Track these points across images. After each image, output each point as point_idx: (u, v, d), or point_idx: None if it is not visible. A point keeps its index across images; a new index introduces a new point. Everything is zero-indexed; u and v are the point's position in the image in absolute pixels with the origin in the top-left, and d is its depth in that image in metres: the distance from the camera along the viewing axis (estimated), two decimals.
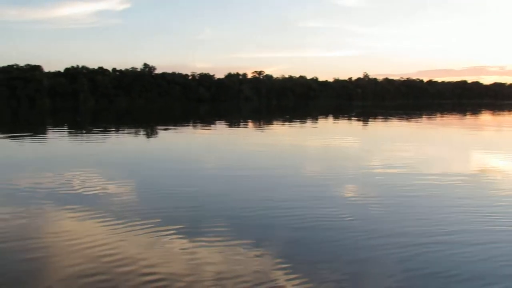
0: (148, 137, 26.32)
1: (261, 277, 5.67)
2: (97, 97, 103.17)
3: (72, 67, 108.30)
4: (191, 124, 38.06)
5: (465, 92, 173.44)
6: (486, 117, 55.30)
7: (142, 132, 29.57)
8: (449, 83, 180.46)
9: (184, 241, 7.01)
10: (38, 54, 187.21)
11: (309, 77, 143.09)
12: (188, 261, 6.19)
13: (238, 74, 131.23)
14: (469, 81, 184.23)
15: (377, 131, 31.75)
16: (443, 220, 8.35)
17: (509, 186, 11.88)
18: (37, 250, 6.57)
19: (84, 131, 29.64)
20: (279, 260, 6.27)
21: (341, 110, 69.32)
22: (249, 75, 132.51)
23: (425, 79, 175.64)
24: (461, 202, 9.77)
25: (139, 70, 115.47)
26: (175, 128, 32.44)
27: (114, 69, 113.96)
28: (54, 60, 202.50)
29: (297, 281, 5.58)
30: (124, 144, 22.05)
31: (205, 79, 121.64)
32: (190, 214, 8.61)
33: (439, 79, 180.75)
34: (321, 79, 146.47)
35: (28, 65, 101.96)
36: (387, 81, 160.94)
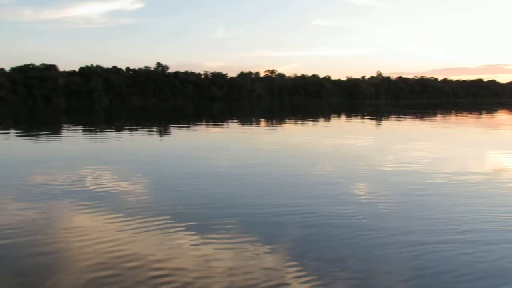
0: (160, 136, 26.53)
1: (270, 274, 5.69)
2: (111, 96, 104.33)
3: (87, 66, 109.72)
4: (203, 123, 38.24)
5: (481, 90, 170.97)
6: (502, 116, 54.37)
7: (155, 131, 29.81)
8: (465, 81, 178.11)
9: (194, 238, 7.06)
10: (53, 54, 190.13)
11: (321, 75, 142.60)
12: (198, 258, 6.24)
13: (250, 73, 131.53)
14: (485, 80, 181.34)
15: (390, 130, 31.48)
16: (455, 219, 8.27)
17: None
18: (50, 245, 6.69)
19: (98, 130, 30.01)
20: (288, 257, 6.29)
21: (354, 109, 68.86)
22: (262, 74, 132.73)
23: (440, 78, 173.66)
24: (473, 201, 9.65)
25: (152, 69, 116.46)
26: (187, 127, 32.64)
27: (127, 68, 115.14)
28: (69, 59, 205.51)
29: (306, 279, 5.58)
30: (137, 142, 22.27)
31: (218, 78, 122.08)
32: (201, 211, 8.67)
33: (454, 78, 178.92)
34: (333, 77, 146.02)
35: (44, 64, 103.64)
36: (401, 79, 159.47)
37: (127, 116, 49.94)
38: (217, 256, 6.31)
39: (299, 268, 5.91)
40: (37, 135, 25.21)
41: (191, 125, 34.15)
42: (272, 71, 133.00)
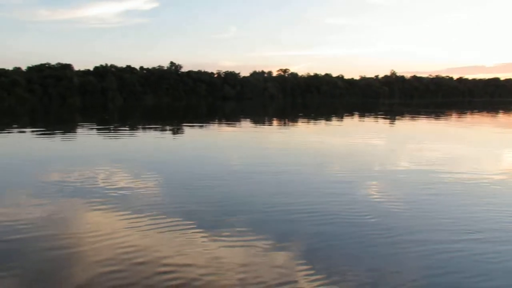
0: (173, 135, 26.71)
1: (280, 273, 5.72)
2: (125, 95, 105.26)
3: (101, 65, 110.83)
4: (216, 122, 38.38)
5: (497, 89, 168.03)
6: None
7: (168, 130, 30.02)
8: (481, 80, 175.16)
9: (205, 236, 7.12)
10: (68, 53, 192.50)
11: (334, 75, 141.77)
12: (208, 256, 6.30)
13: (263, 72, 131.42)
14: (502, 78, 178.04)
15: (404, 130, 31.18)
16: (467, 219, 8.18)
17: None
18: (62, 240, 6.85)
19: (112, 128, 30.35)
20: (298, 256, 6.31)
21: (367, 108, 68.36)
22: (274, 73, 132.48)
23: (455, 77, 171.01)
24: (486, 201, 9.54)
25: (165, 68, 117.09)
26: (200, 126, 32.80)
27: (141, 68, 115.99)
28: (84, 59, 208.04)
29: (316, 277, 5.60)
30: (150, 141, 22.46)
31: (231, 77, 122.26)
32: (212, 209, 8.73)
33: (470, 77, 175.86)
34: (347, 77, 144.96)
35: (59, 63, 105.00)
36: (415, 78, 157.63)
37: (140, 115, 50.37)
38: (227, 254, 6.36)
39: (308, 267, 5.93)
40: (52, 134, 25.62)
41: (203, 124, 34.30)
42: (285, 70, 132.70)
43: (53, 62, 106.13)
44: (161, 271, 5.75)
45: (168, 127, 32.02)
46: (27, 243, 6.77)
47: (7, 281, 5.46)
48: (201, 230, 7.41)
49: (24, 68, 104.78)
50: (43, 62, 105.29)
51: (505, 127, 33.97)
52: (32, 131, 27.25)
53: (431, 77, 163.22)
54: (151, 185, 11.10)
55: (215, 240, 6.91)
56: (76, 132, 27.18)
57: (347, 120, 41.85)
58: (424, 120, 40.87)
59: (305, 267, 5.94)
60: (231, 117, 45.86)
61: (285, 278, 5.59)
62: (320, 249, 6.66)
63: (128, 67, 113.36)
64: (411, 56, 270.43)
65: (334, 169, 13.76)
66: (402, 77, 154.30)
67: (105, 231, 7.26)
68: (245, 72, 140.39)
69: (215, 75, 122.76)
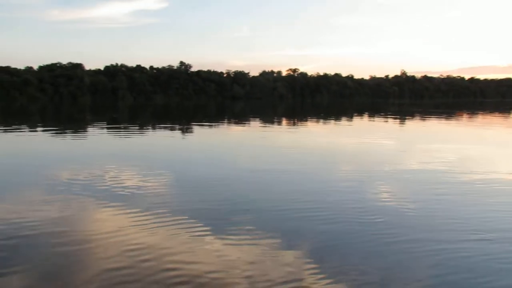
0: (182, 134, 26.80)
1: (287, 272, 5.69)
2: (135, 94, 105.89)
3: (112, 65, 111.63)
4: (225, 122, 38.42)
5: (510, 90, 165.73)
6: None
7: (176, 129, 30.13)
8: (493, 80, 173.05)
9: (212, 235, 7.11)
10: (79, 53, 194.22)
11: (344, 74, 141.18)
12: (216, 255, 6.29)
13: (272, 72, 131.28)
14: None
15: (414, 131, 30.92)
16: (477, 220, 8.07)
17: None
18: (71, 237, 6.90)
19: (120, 128, 30.54)
20: (306, 256, 6.26)
21: (377, 109, 67.95)
22: (284, 73, 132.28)
23: (467, 77, 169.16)
24: (497, 202, 9.40)
25: (175, 68, 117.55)
26: (209, 125, 32.86)
27: (151, 67, 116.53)
28: (95, 58, 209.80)
29: (322, 277, 5.56)
30: (159, 140, 22.56)
31: (240, 76, 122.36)
32: (219, 208, 8.72)
33: (482, 77, 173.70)
34: (356, 76, 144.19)
35: (70, 63, 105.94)
36: (426, 78, 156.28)
37: (150, 114, 50.64)
38: (235, 252, 6.35)
39: (316, 266, 5.90)
40: (62, 133, 25.85)
41: (212, 124, 34.36)
42: (294, 70, 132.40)
43: (64, 61, 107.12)
44: (168, 269, 5.75)
45: (177, 127, 32.14)
46: (37, 239, 6.84)
47: (17, 276, 5.50)
48: (208, 228, 7.41)
49: (35, 67, 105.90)
50: (55, 61, 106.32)
51: None
52: (43, 130, 27.54)
53: (442, 77, 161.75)
54: (159, 183, 11.12)
55: (222, 239, 6.91)
56: (85, 131, 27.39)
57: (356, 120, 41.63)
58: (435, 121, 40.49)
59: (312, 265, 5.91)
60: (240, 117, 45.89)
61: (292, 277, 5.56)
62: (328, 248, 6.63)
63: (138, 66, 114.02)
64: (422, 56, 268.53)
65: (343, 169, 13.67)
66: (413, 77, 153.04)
67: (113, 229, 7.29)
68: (254, 72, 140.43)
69: (225, 75, 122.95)
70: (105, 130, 27.92)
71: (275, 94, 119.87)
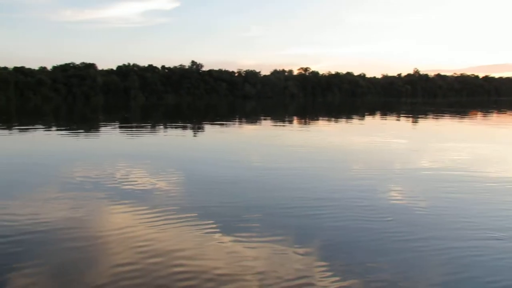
0: (193, 133, 26.90)
1: (298, 270, 5.70)
2: (147, 94, 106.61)
3: (124, 65, 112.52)
4: (236, 121, 38.47)
5: None
6: None
7: (188, 128, 30.25)
8: (508, 78, 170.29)
9: (222, 234, 7.13)
10: (92, 53, 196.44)
11: (356, 73, 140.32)
12: (225, 253, 6.31)
13: (284, 71, 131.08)
14: None
15: (427, 130, 30.58)
16: (490, 222, 7.94)
17: None
18: (81, 235, 7.00)
19: (132, 127, 30.77)
20: (316, 256, 6.24)
21: (389, 107, 67.39)
22: (295, 72, 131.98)
23: (481, 75, 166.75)
24: (511, 205, 9.23)
25: (187, 67, 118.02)
26: (220, 125, 32.93)
27: (163, 67, 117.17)
28: (107, 58, 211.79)
29: (335, 276, 5.55)
30: (170, 140, 22.69)
31: (251, 76, 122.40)
32: (230, 207, 8.74)
33: (496, 75, 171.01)
34: (368, 75, 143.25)
35: (83, 63, 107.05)
36: (439, 77, 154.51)
37: (162, 114, 50.94)
38: (245, 250, 6.37)
39: (327, 264, 5.90)
40: (75, 132, 26.15)
41: (224, 123, 34.43)
42: (306, 69, 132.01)
43: (77, 61, 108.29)
44: (178, 265, 5.80)
45: (188, 126, 32.27)
46: (49, 235, 6.96)
47: (29, 271, 5.59)
48: (218, 226, 7.44)
49: (49, 67, 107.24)
50: (68, 61, 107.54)
51: None
52: (57, 130, 27.90)
53: (456, 75, 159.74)
54: (169, 182, 11.18)
55: (232, 237, 6.94)
56: (98, 131, 27.67)
57: (368, 119, 41.34)
58: (448, 120, 39.99)
59: (322, 263, 5.91)
60: (251, 116, 45.90)
61: (301, 274, 5.57)
62: (337, 246, 6.62)
63: (150, 66, 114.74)
64: (435, 54, 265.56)
65: (354, 168, 13.59)
66: (426, 75, 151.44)
67: (124, 226, 7.37)
68: (265, 71, 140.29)
69: (236, 74, 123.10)
70: (117, 130, 28.16)
71: (286, 93, 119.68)
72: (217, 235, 7.07)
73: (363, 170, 13.25)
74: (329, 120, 39.07)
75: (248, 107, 70.06)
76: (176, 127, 30.17)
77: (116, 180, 11.28)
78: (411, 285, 5.45)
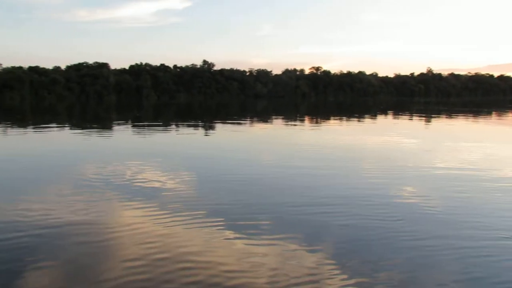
0: (204, 132, 27.00)
1: (308, 271, 5.69)
2: (159, 93, 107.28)
3: (136, 64, 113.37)
4: (247, 120, 38.50)
5: None
6: None
7: (199, 127, 30.37)
8: None
9: (232, 233, 7.16)
10: (105, 52, 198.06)
11: (368, 72, 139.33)
12: (235, 252, 6.34)
13: (295, 70, 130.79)
14: None
15: (440, 130, 30.23)
16: (502, 224, 7.83)
17: None
18: (91, 231, 7.09)
19: (144, 126, 31.00)
20: (325, 256, 6.22)
21: (401, 107, 66.79)
22: (307, 71, 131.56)
23: (496, 74, 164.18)
24: None
25: (198, 66, 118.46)
26: (231, 124, 32.99)
27: (175, 66, 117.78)
28: (120, 57, 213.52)
29: (345, 278, 5.52)
30: (180, 139, 22.81)
31: (263, 75, 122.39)
32: (240, 207, 8.75)
33: None
34: (381, 74, 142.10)
35: (96, 63, 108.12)
36: (453, 76, 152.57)
37: (173, 113, 51.23)
38: (253, 250, 6.38)
39: (337, 266, 5.87)
40: (87, 131, 26.45)
41: (235, 122, 34.49)
42: (317, 68, 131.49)
43: (91, 61, 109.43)
44: (187, 263, 5.84)
45: (199, 125, 32.40)
46: (60, 233, 7.06)
47: (40, 267, 5.69)
48: (228, 225, 7.47)
49: (63, 67, 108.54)
50: (81, 61, 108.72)
51: None
52: (70, 128, 28.25)
53: (470, 74, 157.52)
54: (180, 181, 11.25)
55: (242, 235, 6.96)
56: (110, 130, 27.94)
57: (380, 119, 41.04)
58: (462, 120, 39.50)
59: (333, 266, 5.88)
60: (262, 115, 45.90)
61: (311, 274, 5.57)
62: (348, 246, 6.60)
63: (162, 65, 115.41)
64: (448, 53, 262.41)
65: (366, 168, 13.51)
66: (439, 74, 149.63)
67: (134, 224, 7.44)
68: (277, 70, 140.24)
69: (247, 73, 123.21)
70: (129, 129, 28.40)
71: (298, 92, 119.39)
72: (226, 233, 7.10)
73: (375, 169, 13.16)
74: (340, 120, 38.88)
75: (260, 106, 70.05)
76: (187, 126, 30.31)
77: (127, 178, 11.39)
78: (421, 285, 5.41)
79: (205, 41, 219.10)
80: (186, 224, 7.58)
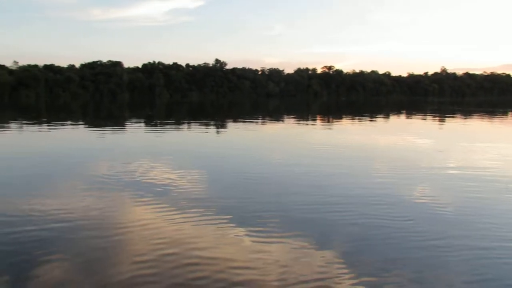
0: (216, 131, 27.09)
1: (314, 271, 5.66)
2: (171, 91, 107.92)
3: (149, 63, 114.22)
4: (259, 119, 38.52)
5: None
6: None
7: (210, 126, 30.47)
8: None
9: (241, 231, 7.18)
10: (118, 51, 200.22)
11: (381, 72, 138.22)
12: (244, 250, 6.36)
13: (307, 69, 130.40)
14: None
15: (454, 130, 29.86)
16: None
17: None
18: (101, 230, 7.15)
19: (156, 124, 31.21)
20: (337, 256, 6.19)
21: (415, 107, 66.10)
22: (319, 70, 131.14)
23: None
24: None
25: (210, 65, 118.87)
26: (243, 122, 33.04)
27: (187, 65, 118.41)
28: (133, 56, 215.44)
29: (354, 277, 5.50)
30: (192, 137, 22.91)
31: (275, 74, 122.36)
32: (249, 205, 8.76)
33: None
34: (394, 74, 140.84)
35: (110, 61, 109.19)
36: (468, 75, 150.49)
37: (185, 111, 51.49)
38: (262, 248, 6.39)
39: (346, 266, 5.85)
40: (101, 129, 26.75)
41: (246, 121, 34.53)
42: (330, 67, 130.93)
43: (104, 59, 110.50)
44: (195, 262, 5.87)
45: (211, 124, 32.51)
46: (71, 229, 7.15)
47: (52, 261, 5.78)
48: (238, 222, 7.49)
49: (77, 65, 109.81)
50: (95, 59, 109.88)
51: None
52: (85, 127, 28.60)
53: (486, 74, 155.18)
54: (190, 179, 11.31)
55: (251, 233, 6.98)
56: (121, 128, 28.20)
57: (393, 119, 40.69)
58: (477, 120, 38.95)
59: (342, 265, 5.86)
60: (274, 114, 45.87)
61: (319, 273, 5.56)
62: (357, 246, 6.56)
63: (175, 64, 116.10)
64: (463, 52, 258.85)
65: (377, 167, 13.42)
66: (454, 74, 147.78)
67: (144, 222, 7.51)
68: (289, 69, 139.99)
69: (259, 72, 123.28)
70: (141, 127, 28.63)
71: (310, 91, 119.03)
72: (235, 230, 7.13)
73: (386, 169, 13.07)
74: (352, 119, 38.65)
75: (272, 105, 69.98)
76: (199, 125, 30.44)
77: (138, 175, 11.50)
78: (431, 285, 5.37)
79: (217, 40, 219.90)
80: (195, 221, 7.63)
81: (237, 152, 16.77)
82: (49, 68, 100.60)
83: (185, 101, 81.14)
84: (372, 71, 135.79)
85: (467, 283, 5.44)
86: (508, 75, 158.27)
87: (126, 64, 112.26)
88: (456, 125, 33.88)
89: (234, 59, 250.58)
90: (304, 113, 48.25)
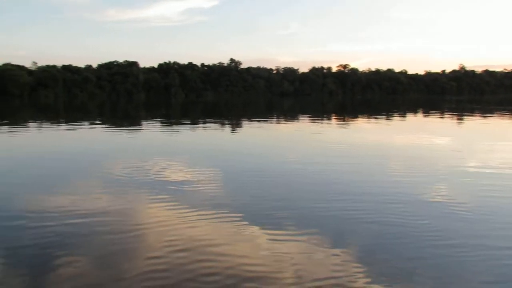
0: (230, 130, 27.17)
1: (328, 270, 5.64)
2: (187, 91, 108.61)
3: (165, 63, 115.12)
4: (274, 118, 38.49)
5: None
6: None
7: (225, 125, 30.58)
8: None
9: (255, 230, 7.19)
10: (134, 51, 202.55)
11: (397, 70, 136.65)
12: (258, 249, 6.36)
13: (322, 68, 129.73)
14: None
15: (473, 129, 29.34)
16: None
17: None
18: (117, 229, 7.22)
19: (172, 124, 31.46)
20: (352, 256, 6.13)
21: (432, 105, 65.19)
22: (334, 69, 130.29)
23: None
24: None
25: (225, 65, 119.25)
26: (258, 121, 33.07)
27: (202, 64, 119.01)
28: (149, 56, 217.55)
29: (370, 277, 5.46)
30: (207, 136, 23.02)
31: (289, 73, 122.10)
32: (264, 204, 8.76)
33: None
34: (410, 72, 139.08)
35: (126, 61, 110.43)
36: (487, 73, 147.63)
37: (200, 111, 51.77)
38: (276, 247, 6.38)
39: (361, 265, 5.79)
40: (117, 128, 27.09)
41: (261, 120, 34.55)
42: (345, 66, 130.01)
43: (121, 59, 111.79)
44: (209, 258, 5.90)
45: (226, 123, 32.62)
46: (86, 227, 7.25)
47: (67, 259, 5.88)
48: (252, 221, 7.49)
49: (94, 66, 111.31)
50: (112, 60, 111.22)
51: None
52: (102, 126, 29.01)
53: (506, 71, 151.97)
54: (205, 177, 11.37)
55: (266, 232, 6.97)
56: (136, 127, 28.52)
57: (409, 117, 40.20)
58: (496, 118, 38.17)
59: (357, 264, 5.82)
60: (289, 113, 45.78)
61: (335, 272, 5.52)
62: (373, 247, 6.49)
63: (190, 64, 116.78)
64: (482, 50, 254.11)
65: (393, 167, 13.27)
66: (472, 71, 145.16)
67: (158, 220, 7.58)
68: (304, 68, 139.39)
69: (274, 71, 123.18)
70: (157, 126, 28.90)
71: (325, 90, 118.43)
72: (250, 228, 7.15)
73: (402, 168, 12.93)
74: (368, 118, 38.32)
75: (286, 104, 69.85)
76: (214, 124, 30.58)
77: (153, 174, 11.61)
78: (447, 286, 5.29)
79: (232, 39, 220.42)
80: (210, 218, 7.67)
81: (252, 151, 16.80)
82: (67, 68, 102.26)
83: (200, 101, 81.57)
84: (388, 70, 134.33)
85: (485, 283, 5.35)
86: None
87: (142, 64, 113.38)
88: (474, 123, 33.28)
89: (249, 58, 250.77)
90: (319, 112, 48.03)
